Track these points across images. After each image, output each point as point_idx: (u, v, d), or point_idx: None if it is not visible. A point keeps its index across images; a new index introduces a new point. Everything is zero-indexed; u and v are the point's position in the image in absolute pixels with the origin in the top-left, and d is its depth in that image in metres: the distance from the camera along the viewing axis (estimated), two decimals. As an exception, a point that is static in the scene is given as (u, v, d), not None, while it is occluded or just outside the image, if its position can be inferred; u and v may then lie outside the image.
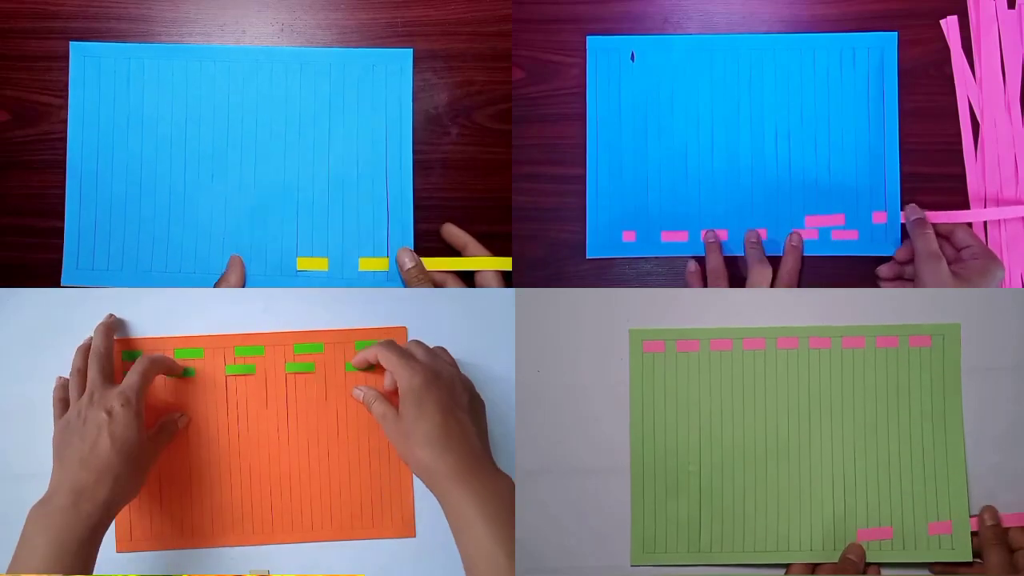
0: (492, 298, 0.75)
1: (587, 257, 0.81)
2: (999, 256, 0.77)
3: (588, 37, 0.82)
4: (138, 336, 0.74)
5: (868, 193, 0.80)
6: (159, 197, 0.80)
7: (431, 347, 0.71)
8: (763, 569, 0.73)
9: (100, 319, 0.73)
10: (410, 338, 0.74)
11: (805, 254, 0.80)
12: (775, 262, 0.78)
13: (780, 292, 0.76)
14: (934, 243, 0.75)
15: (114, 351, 0.72)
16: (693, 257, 0.80)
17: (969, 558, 0.71)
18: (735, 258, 0.81)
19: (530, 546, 0.72)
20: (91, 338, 0.71)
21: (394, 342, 0.70)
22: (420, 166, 0.81)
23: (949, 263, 0.75)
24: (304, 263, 0.80)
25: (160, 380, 0.73)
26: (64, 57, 0.79)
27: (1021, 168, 0.80)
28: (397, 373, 0.67)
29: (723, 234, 0.80)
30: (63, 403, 0.70)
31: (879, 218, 0.80)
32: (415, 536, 0.73)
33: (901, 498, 0.72)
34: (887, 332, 0.74)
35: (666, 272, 0.82)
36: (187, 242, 0.80)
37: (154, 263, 0.79)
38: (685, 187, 0.81)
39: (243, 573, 0.72)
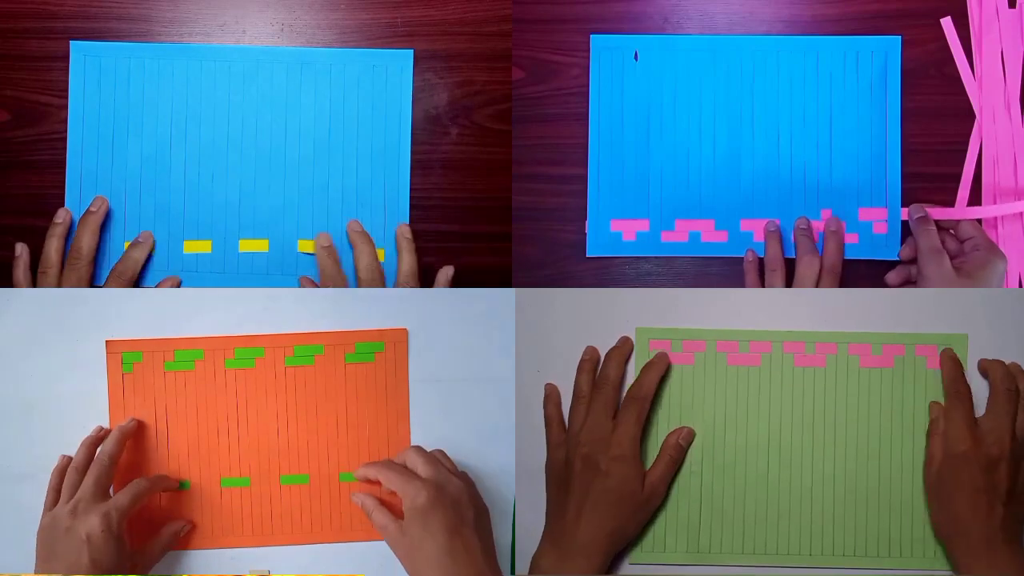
0: (492, 298, 0.75)
1: (587, 256, 0.81)
2: (999, 254, 0.77)
3: (592, 36, 0.82)
4: (138, 336, 0.74)
5: (869, 194, 0.80)
6: (159, 197, 0.80)
7: (430, 452, 0.69)
8: (763, 570, 0.73)
9: (99, 319, 0.73)
10: (410, 339, 0.74)
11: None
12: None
13: (782, 293, 0.76)
14: (936, 239, 0.75)
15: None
16: (752, 249, 0.80)
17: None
18: (734, 257, 0.81)
19: (530, 546, 0.72)
20: (102, 433, 0.70)
21: (393, 461, 0.68)
22: (420, 166, 0.81)
23: (952, 257, 0.75)
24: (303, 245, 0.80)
25: (161, 380, 0.73)
26: (64, 57, 0.79)
27: (1021, 167, 0.80)
28: (401, 492, 0.65)
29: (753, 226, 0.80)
30: (56, 492, 0.68)
31: (880, 228, 0.80)
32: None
33: (901, 505, 0.72)
34: (894, 340, 0.74)
35: (666, 272, 0.82)
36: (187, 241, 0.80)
37: (155, 263, 0.79)
38: (686, 187, 0.81)
39: (243, 573, 0.72)
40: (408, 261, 0.78)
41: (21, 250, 0.77)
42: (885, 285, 0.79)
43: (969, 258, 0.75)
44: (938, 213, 0.78)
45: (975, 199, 0.80)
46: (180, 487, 0.72)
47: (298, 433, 0.73)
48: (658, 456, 0.72)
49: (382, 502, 0.68)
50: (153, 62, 0.80)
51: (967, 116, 0.81)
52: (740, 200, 0.81)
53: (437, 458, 0.68)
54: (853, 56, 0.81)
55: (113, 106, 0.79)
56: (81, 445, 0.69)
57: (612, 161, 0.81)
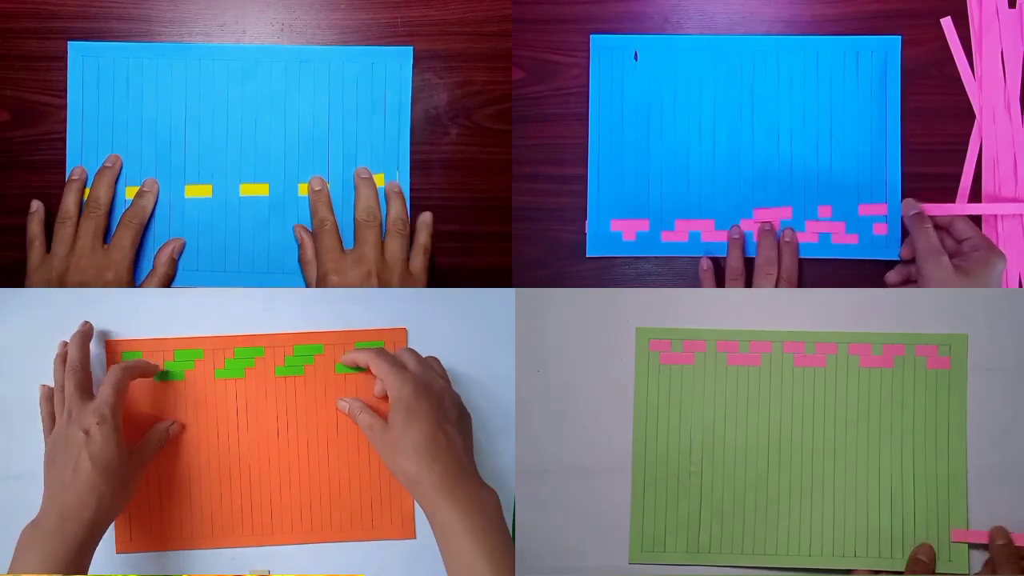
0: (492, 298, 0.75)
1: (587, 256, 0.81)
2: (997, 254, 0.77)
3: (592, 36, 0.82)
4: (138, 337, 0.74)
5: (869, 194, 0.80)
6: (159, 197, 0.80)
7: (424, 356, 0.70)
8: (763, 570, 0.73)
9: (99, 319, 0.73)
10: (410, 339, 0.74)
11: (806, 256, 0.80)
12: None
13: (784, 293, 0.76)
14: (935, 238, 0.75)
15: (93, 359, 0.71)
16: (707, 256, 0.80)
17: (966, 570, 0.71)
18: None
19: (530, 546, 0.72)
20: (65, 349, 0.71)
21: (386, 350, 0.70)
22: (420, 166, 0.81)
23: (951, 257, 0.75)
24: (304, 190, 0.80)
25: (159, 384, 0.73)
26: (64, 57, 0.79)
27: (1020, 167, 0.80)
28: (388, 382, 0.67)
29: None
30: (51, 419, 0.70)
31: (880, 229, 0.80)
32: (415, 537, 0.73)
33: (901, 505, 0.72)
34: (894, 340, 0.74)
35: (667, 272, 0.82)
36: (187, 241, 0.80)
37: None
38: (687, 187, 0.81)
39: (243, 573, 0.72)
40: (397, 207, 0.78)
41: (37, 206, 0.78)
42: (885, 285, 0.79)
43: (968, 258, 0.75)
44: (937, 210, 0.78)
45: (975, 199, 0.80)
46: (162, 378, 0.73)
47: (298, 433, 0.73)
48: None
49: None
50: (153, 62, 0.80)
51: (967, 116, 0.81)
52: (740, 200, 0.81)
53: (428, 362, 0.70)
54: (853, 56, 0.81)
55: (112, 106, 0.79)
56: (54, 364, 0.71)
57: (612, 161, 0.81)
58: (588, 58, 0.82)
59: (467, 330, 0.75)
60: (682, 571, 0.73)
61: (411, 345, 0.74)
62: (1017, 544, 0.70)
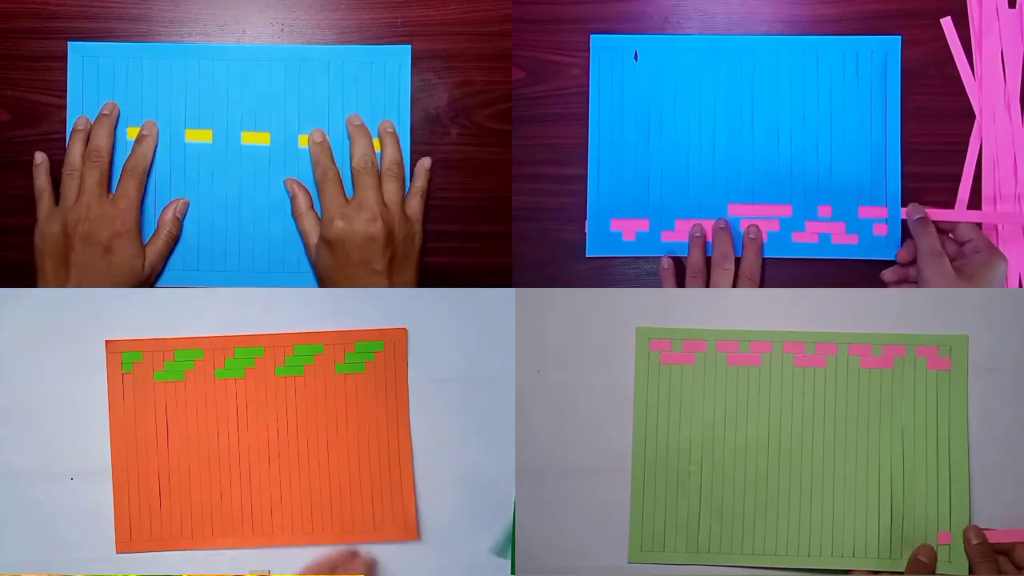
0: (492, 298, 0.75)
1: (587, 256, 0.81)
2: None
3: (592, 36, 0.82)
4: (138, 337, 0.74)
5: (869, 194, 0.80)
6: (159, 197, 0.79)
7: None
8: (763, 570, 0.73)
9: (99, 319, 0.73)
10: (410, 338, 0.74)
11: (806, 256, 0.80)
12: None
13: (782, 293, 0.76)
14: (936, 241, 0.75)
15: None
16: (668, 255, 0.80)
17: (965, 571, 0.71)
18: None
19: (530, 546, 0.72)
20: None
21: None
22: (420, 166, 0.81)
23: (952, 259, 0.75)
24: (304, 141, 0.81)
25: (160, 383, 0.73)
26: (64, 57, 0.79)
27: (1021, 167, 0.80)
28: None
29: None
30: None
31: (880, 229, 0.80)
32: (419, 539, 0.72)
33: (903, 506, 0.72)
34: (894, 341, 0.74)
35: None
36: (187, 241, 0.80)
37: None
38: (687, 187, 0.81)
39: (243, 573, 0.72)
40: (391, 150, 0.78)
41: (41, 158, 0.78)
42: (883, 282, 0.79)
43: (969, 260, 0.75)
44: (940, 215, 0.78)
45: (975, 199, 0.80)
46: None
47: (297, 432, 0.73)
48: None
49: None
50: (152, 62, 0.80)
51: (967, 116, 0.81)
52: (740, 200, 0.81)
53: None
54: (853, 56, 0.81)
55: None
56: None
57: (612, 161, 0.81)
58: (588, 58, 0.82)
59: (467, 330, 0.75)
60: (682, 571, 0.73)
61: (412, 345, 0.74)
62: (992, 542, 0.71)
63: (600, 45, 0.82)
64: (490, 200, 0.81)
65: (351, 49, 0.80)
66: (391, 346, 0.74)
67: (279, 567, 0.72)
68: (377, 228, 0.73)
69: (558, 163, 0.82)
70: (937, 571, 0.71)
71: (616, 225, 0.81)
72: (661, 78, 0.82)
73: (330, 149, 0.79)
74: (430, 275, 0.80)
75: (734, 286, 0.77)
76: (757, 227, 0.79)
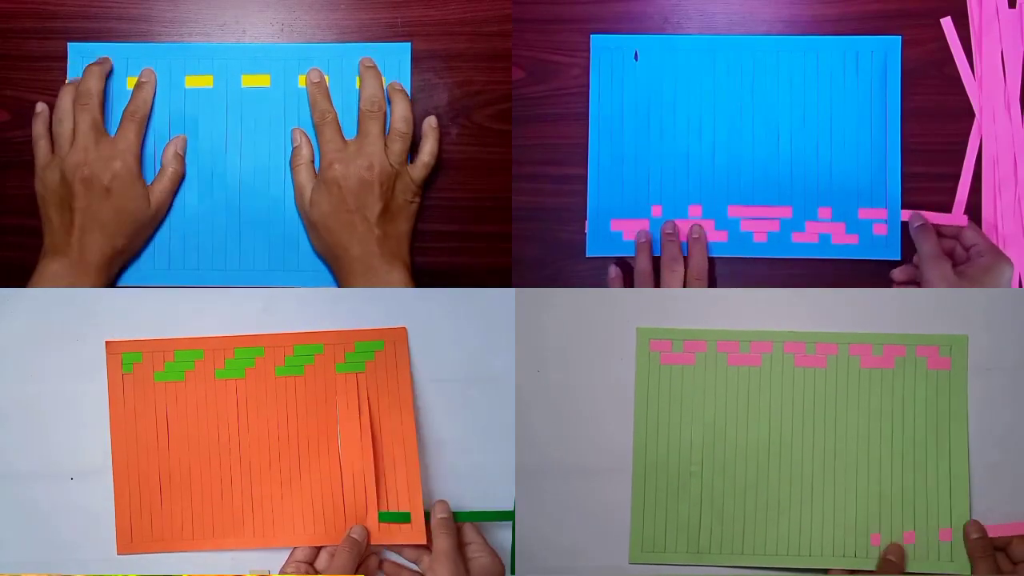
0: (492, 298, 0.75)
1: (587, 256, 0.81)
2: (1000, 256, 0.77)
3: (592, 36, 0.82)
4: (138, 337, 0.74)
5: (869, 194, 0.80)
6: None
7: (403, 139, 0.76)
8: (763, 570, 0.73)
9: (99, 319, 0.73)
10: (410, 338, 0.74)
11: (806, 256, 0.80)
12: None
13: (782, 293, 0.76)
14: (937, 245, 0.75)
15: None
16: (616, 263, 0.80)
17: (967, 571, 0.71)
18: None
19: (530, 546, 0.72)
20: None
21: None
22: (420, 166, 0.81)
23: (958, 263, 0.75)
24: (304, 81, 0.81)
25: (160, 384, 0.73)
26: (64, 57, 0.79)
27: (1021, 167, 0.80)
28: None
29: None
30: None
31: (879, 229, 0.80)
32: (425, 542, 0.72)
33: (902, 505, 0.72)
34: (895, 341, 0.74)
35: (666, 272, 0.81)
36: (188, 240, 0.80)
37: (155, 262, 0.79)
38: (686, 187, 0.81)
39: (243, 574, 0.72)
40: (401, 106, 0.77)
41: (42, 108, 0.78)
42: (886, 285, 0.79)
43: (974, 264, 0.75)
44: (937, 219, 0.78)
45: (975, 199, 0.80)
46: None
47: (298, 432, 0.73)
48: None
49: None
50: (152, 62, 0.80)
51: (967, 116, 0.81)
52: (740, 200, 0.81)
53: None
54: (853, 56, 0.81)
55: (111, 107, 0.79)
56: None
57: (612, 161, 0.81)
58: (588, 58, 0.82)
59: (467, 330, 0.75)
60: (682, 571, 0.73)
61: (412, 345, 0.74)
62: (991, 536, 0.71)
63: (600, 45, 0.82)
64: (490, 200, 0.81)
65: (350, 47, 0.80)
66: (391, 346, 0.74)
67: (279, 567, 0.72)
68: (373, 175, 0.74)
69: (558, 163, 0.82)
70: (939, 570, 0.71)
71: (616, 225, 0.81)
72: (661, 78, 0.82)
73: (327, 90, 0.78)
74: (431, 275, 0.80)
75: (684, 287, 0.77)
76: (700, 227, 0.79)
